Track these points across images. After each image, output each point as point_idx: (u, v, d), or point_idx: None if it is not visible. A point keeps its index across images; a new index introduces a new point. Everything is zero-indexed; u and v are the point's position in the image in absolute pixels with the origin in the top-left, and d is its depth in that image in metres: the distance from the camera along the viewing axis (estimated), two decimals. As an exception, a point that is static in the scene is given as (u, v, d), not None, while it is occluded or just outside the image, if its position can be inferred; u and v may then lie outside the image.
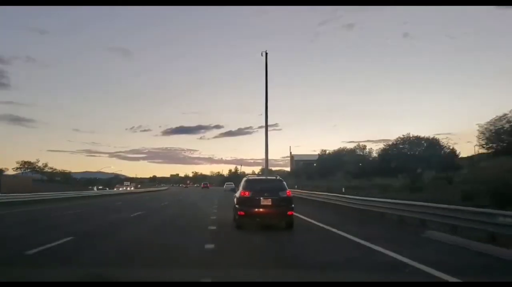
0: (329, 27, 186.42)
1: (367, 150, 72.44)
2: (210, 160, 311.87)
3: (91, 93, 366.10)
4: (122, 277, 3.98)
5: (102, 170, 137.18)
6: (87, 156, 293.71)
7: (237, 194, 13.24)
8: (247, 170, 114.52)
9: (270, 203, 12.25)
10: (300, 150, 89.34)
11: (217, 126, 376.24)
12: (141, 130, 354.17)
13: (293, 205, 12.66)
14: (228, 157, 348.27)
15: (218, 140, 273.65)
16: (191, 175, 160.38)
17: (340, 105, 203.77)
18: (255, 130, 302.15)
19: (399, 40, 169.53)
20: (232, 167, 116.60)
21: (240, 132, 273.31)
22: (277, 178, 14.17)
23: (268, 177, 17.04)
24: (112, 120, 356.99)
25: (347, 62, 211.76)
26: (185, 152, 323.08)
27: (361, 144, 75.11)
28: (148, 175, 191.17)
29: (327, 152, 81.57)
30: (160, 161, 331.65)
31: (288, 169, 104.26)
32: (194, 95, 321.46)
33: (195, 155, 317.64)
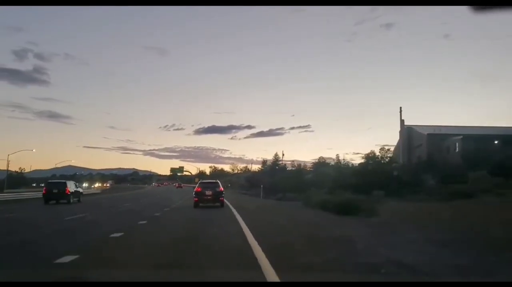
0: (366, 26, 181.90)
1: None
2: (241, 160, 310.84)
3: (126, 92, 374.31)
4: None
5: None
6: (122, 153, 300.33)
7: (194, 190, 23.66)
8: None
9: (210, 193, 22.62)
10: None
11: (249, 127, 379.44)
12: (174, 129, 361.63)
13: (223, 194, 23.33)
14: (259, 157, 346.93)
15: (249, 141, 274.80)
16: (208, 171, 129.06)
17: (375, 107, 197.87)
18: (286, 131, 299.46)
19: (439, 41, 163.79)
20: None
21: (271, 133, 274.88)
22: (216, 181, 24.91)
23: (211, 181, 26.64)
24: (147, 119, 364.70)
25: (383, 63, 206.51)
26: (216, 151, 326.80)
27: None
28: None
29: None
30: (192, 159, 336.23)
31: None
32: (227, 95, 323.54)
33: (226, 154, 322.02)
